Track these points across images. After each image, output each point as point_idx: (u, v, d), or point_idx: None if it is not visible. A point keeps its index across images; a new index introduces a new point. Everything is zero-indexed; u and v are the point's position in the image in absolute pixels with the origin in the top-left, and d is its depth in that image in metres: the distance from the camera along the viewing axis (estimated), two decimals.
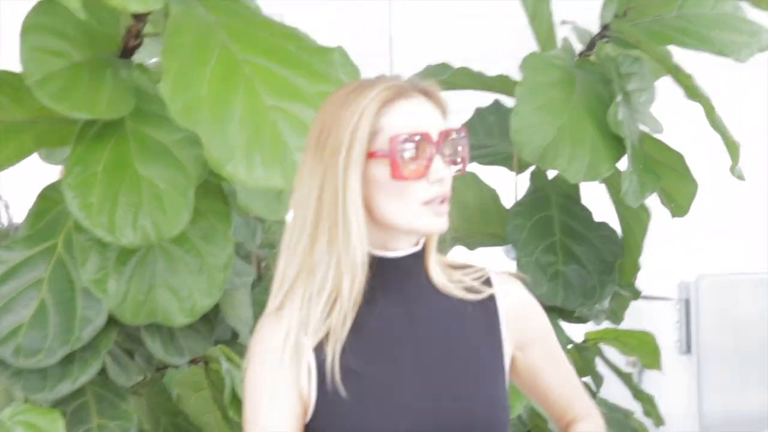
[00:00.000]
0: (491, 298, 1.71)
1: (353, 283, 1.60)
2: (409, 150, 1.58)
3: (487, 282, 1.72)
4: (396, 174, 1.58)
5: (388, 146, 1.58)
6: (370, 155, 1.59)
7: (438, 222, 1.62)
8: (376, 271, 1.63)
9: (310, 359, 1.62)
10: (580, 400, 1.81)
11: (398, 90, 1.60)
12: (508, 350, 1.71)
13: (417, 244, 1.67)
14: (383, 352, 1.64)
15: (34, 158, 2.22)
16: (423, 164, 1.59)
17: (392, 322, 1.65)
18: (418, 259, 1.68)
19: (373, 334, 1.64)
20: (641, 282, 2.85)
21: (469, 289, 1.70)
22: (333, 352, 1.61)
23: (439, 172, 1.60)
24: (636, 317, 2.94)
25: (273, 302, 1.65)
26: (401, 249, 1.66)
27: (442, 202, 1.62)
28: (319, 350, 1.62)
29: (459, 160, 1.64)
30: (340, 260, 1.59)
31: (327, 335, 1.62)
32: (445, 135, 1.62)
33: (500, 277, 1.74)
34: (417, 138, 1.59)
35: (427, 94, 1.64)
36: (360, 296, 1.62)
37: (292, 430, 1.62)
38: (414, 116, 1.60)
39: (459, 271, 1.73)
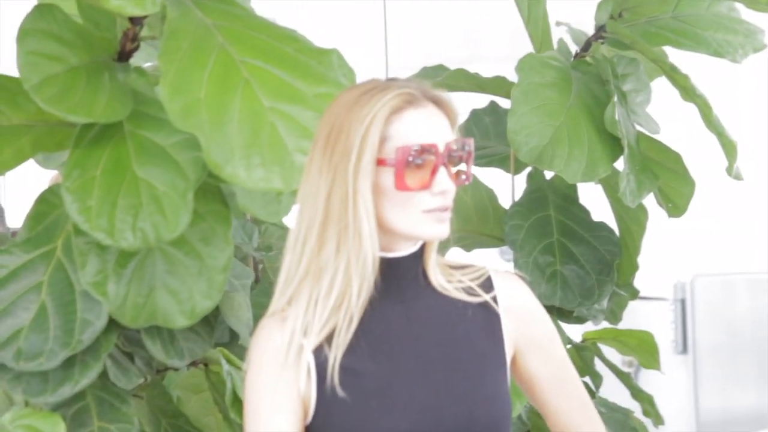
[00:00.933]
0: (492, 298, 1.71)
1: (362, 287, 1.61)
2: (414, 162, 1.58)
3: (488, 281, 1.72)
4: (400, 185, 1.59)
5: (394, 156, 1.58)
6: (378, 162, 1.59)
7: (439, 228, 1.63)
8: (376, 271, 1.63)
9: (310, 360, 1.63)
10: (583, 424, 1.77)
11: (409, 98, 1.60)
12: (509, 349, 1.71)
13: (416, 244, 1.67)
14: (383, 352, 1.64)
15: (29, 163, 2.21)
16: (427, 176, 1.59)
17: (391, 322, 1.66)
18: (417, 259, 1.68)
19: (373, 335, 1.64)
20: (636, 282, 2.86)
21: (469, 290, 1.71)
22: (335, 354, 1.61)
23: (443, 185, 1.60)
24: (632, 317, 2.94)
25: (278, 302, 1.65)
26: (401, 250, 1.66)
27: (444, 210, 1.62)
28: (319, 351, 1.62)
29: (464, 171, 1.65)
30: (349, 264, 1.59)
31: (327, 337, 1.62)
32: (451, 146, 1.62)
33: (502, 276, 1.74)
34: (423, 150, 1.59)
35: (437, 102, 1.63)
36: (367, 299, 1.62)
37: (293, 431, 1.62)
38: (422, 127, 1.60)
39: (459, 271, 1.73)
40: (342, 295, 1.61)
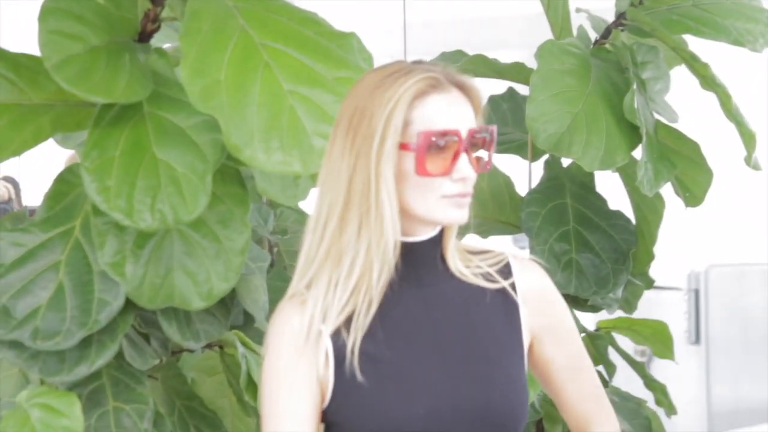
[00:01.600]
0: (510, 285, 1.71)
1: (382, 270, 1.60)
2: (435, 148, 1.58)
3: (507, 267, 1.72)
4: (420, 170, 1.58)
5: (416, 141, 1.58)
6: (400, 146, 1.58)
7: (458, 214, 1.62)
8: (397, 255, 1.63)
9: (328, 345, 1.62)
10: (597, 412, 1.77)
11: (433, 82, 1.59)
12: (526, 336, 1.71)
13: (435, 229, 1.67)
14: (400, 337, 1.64)
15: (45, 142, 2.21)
16: (448, 162, 1.59)
17: (409, 307, 1.66)
18: (435, 244, 1.68)
19: (391, 319, 1.64)
20: (651, 272, 2.85)
21: (488, 276, 1.70)
22: (354, 338, 1.61)
23: (463, 171, 1.60)
24: (645, 307, 2.94)
25: (297, 285, 1.64)
26: (420, 234, 1.66)
27: (464, 196, 1.62)
28: (336, 336, 1.62)
29: (485, 158, 1.64)
30: (370, 247, 1.59)
31: (346, 321, 1.62)
32: (473, 133, 1.61)
33: (520, 262, 1.74)
34: (445, 136, 1.58)
35: (462, 88, 1.62)
36: (386, 283, 1.62)
37: (311, 416, 1.62)
38: (445, 112, 1.59)
39: (478, 256, 1.72)
40: (362, 279, 1.60)
